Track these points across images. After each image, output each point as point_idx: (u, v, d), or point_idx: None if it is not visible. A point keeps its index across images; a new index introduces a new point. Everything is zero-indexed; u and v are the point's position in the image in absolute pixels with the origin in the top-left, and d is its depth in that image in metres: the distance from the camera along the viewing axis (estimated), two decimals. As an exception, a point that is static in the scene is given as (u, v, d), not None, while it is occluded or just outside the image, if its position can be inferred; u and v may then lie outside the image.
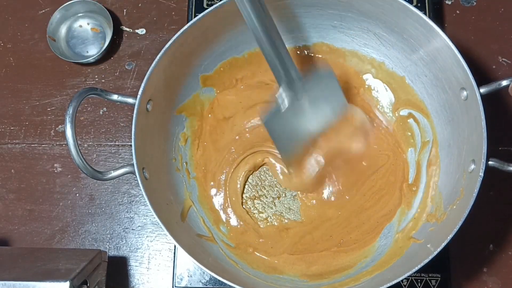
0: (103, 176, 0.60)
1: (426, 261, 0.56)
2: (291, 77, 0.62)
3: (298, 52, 0.75)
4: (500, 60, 0.80)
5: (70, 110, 0.57)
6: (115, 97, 0.62)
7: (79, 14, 0.83)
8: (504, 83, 0.59)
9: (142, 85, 0.62)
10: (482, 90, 0.59)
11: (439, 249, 0.57)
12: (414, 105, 0.72)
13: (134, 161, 0.60)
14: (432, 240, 0.61)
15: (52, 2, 0.85)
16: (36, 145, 0.80)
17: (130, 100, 0.62)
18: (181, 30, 0.64)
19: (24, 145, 0.80)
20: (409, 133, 0.73)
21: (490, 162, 0.58)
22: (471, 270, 0.73)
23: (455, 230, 0.57)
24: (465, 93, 0.62)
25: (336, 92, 0.67)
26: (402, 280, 0.68)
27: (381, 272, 0.64)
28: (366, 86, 0.75)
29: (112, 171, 0.61)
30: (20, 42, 0.84)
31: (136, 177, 0.60)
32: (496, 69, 0.80)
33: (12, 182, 0.79)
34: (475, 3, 0.83)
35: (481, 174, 0.57)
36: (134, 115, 0.62)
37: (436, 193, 0.67)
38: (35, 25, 0.85)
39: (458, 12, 0.82)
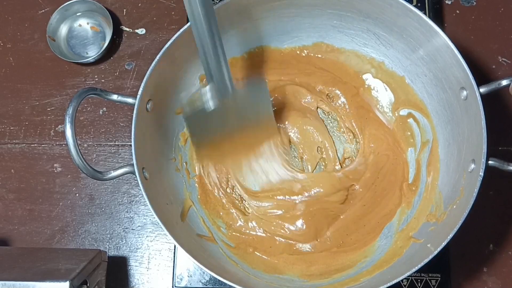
0: (103, 176, 0.60)
1: (426, 260, 0.56)
2: (223, 78, 0.62)
3: (298, 52, 0.75)
4: (500, 60, 0.80)
5: (70, 110, 0.57)
6: (114, 97, 0.62)
7: (79, 14, 0.83)
8: (504, 82, 0.59)
9: (142, 85, 0.62)
10: (482, 90, 0.59)
11: (439, 249, 0.57)
12: (414, 104, 0.72)
13: (134, 161, 0.60)
14: (432, 239, 0.61)
15: (51, 2, 0.85)
16: (36, 145, 0.80)
17: (130, 100, 0.62)
18: (181, 30, 0.64)
19: (24, 145, 0.80)
20: (409, 133, 0.73)
21: (490, 162, 0.58)
22: (471, 270, 0.73)
23: (455, 229, 0.57)
24: (465, 92, 0.62)
25: (265, 103, 0.68)
26: (402, 280, 0.68)
27: (381, 272, 0.64)
28: (366, 86, 0.75)
29: (112, 171, 0.61)
30: (20, 42, 0.84)
31: (136, 177, 0.60)
32: (496, 69, 0.80)
33: (12, 182, 0.79)
34: (475, 3, 0.83)
35: (481, 173, 0.57)
36: (134, 115, 0.62)
37: (436, 193, 0.67)
38: (35, 25, 0.84)
39: (458, 12, 0.82)
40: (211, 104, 0.63)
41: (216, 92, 0.62)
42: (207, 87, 0.62)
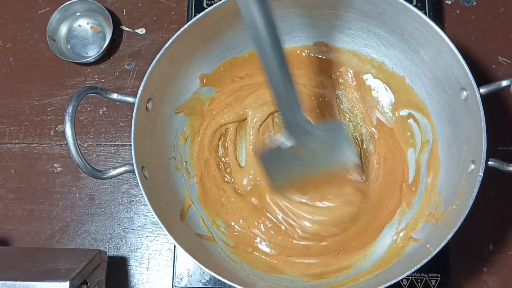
0: (102, 174, 0.60)
1: (425, 261, 0.56)
2: (297, 123, 0.60)
3: (298, 52, 0.75)
4: (500, 60, 0.80)
5: (70, 109, 0.57)
6: (114, 96, 0.62)
7: (79, 14, 0.83)
8: (504, 83, 0.59)
9: (142, 84, 0.62)
10: (482, 91, 0.59)
11: (438, 249, 0.57)
12: (414, 105, 0.72)
13: (134, 160, 0.60)
14: (432, 240, 0.61)
15: (51, 1, 0.85)
16: (36, 145, 0.80)
17: (129, 99, 0.62)
18: (181, 30, 0.64)
19: (24, 145, 0.80)
20: (409, 133, 0.73)
21: (489, 162, 0.58)
22: (471, 270, 0.73)
23: (455, 230, 0.57)
24: (465, 93, 0.62)
25: (343, 146, 0.65)
26: (402, 280, 0.68)
27: (381, 272, 0.64)
28: (366, 86, 0.75)
29: (111, 170, 0.61)
30: (20, 42, 0.84)
31: (136, 176, 0.60)
32: (496, 69, 0.80)
33: (12, 182, 0.79)
34: (475, 3, 0.83)
35: (481, 174, 0.57)
36: (134, 114, 0.62)
37: (436, 193, 0.67)
38: (35, 25, 0.84)
39: (458, 11, 0.82)
40: (287, 144, 0.61)
41: (291, 135, 0.61)
42: (282, 134, 0.61)
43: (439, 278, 0.71)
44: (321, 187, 0.70)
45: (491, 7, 0.82)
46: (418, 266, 0.56)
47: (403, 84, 0.72)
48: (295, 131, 0.60)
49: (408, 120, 0.73)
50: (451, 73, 0.63)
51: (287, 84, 0.56)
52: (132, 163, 0.60)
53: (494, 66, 0.80)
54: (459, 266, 0.73)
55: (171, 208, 0.67)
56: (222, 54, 0.73)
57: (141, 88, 0.62)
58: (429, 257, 0.56)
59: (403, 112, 0.73)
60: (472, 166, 0.60)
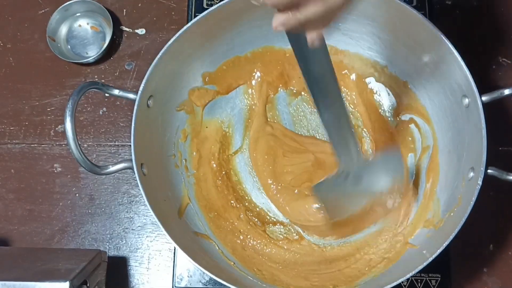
0: (101, 170, 0.60)
1: (421, 267, 0.57)
2: (351, 156, 0.60)
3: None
4: (500, 60, 0.80)
5: (71, 104, 0.57)
6: (116, 92, 0.62)
7: (79, 14, 0.83)
8: (507, 92, 0.60)
9: (144, 80, 0.62)
10: (484, 99, 0.59)
11: (434, 256, 0.57)
12: (415, 110, 0.71)
13: (133, 156, 0.60)
14: (428, 246, 0.61)
15: (51, 2, 0.85)
16: (35, 145, 0.80)
17: (131, 96, 0.62)
18: (181, 30, 0.64)
19: (24, 145, 0.80)
20: (410, 138, 0.72)
21: (489, 171, 0.58)
22: (471, 270, 0.73)
23: (451, 237, 0.57)
24: (467, 100, 0.62)
25: (398, 171, 0.64)
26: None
27: (376, 277, 0.64)
28: (369, 89, 0.75)
29: (110, 166, 0.61)
30: (20, 42, 0.84)
31: (134, 173, 0.60)
32: (496, 69, 0.80)
33: (12, 182, 0.79)
34: (475, 3, 0.83)
35: (479, 182, 0.57)
36: (135, 110, 0.62)
37: (435, 199, 0.67)
38: (35, 25, 0.84)
39: (458, 12, 0.82)
40: (342, 177, 0.62)
41: (345, 167, 0.61)
42: (338, 169, 0.62)
43: (439, 278, 0.71)
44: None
45: (491, 7, 0.82)
46: (414, 272, 0.57)
47: (405, 89, 0.72)
48: (349, 163, 0.60)
49: (410, 125, 0.72)
50: (453, 80, 0.63)
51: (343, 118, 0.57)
52: (131, 160, 0.60)
53: (494, 66, 0.80)
54: (459, 266, 0.73)
55: (169, 205, 0.67)
56: (225, 53, 0.73)
57: (142, 84, 0.62)
58: (425, 263, 0.56)
59: (405, 117, 0.73)
60: (472, 174, 0.60)
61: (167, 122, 0.70)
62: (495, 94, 0.60)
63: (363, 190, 0.63)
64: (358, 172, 0.61)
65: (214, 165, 0.74)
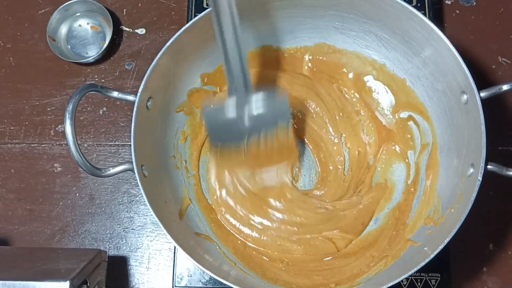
0: (101, 172, 0.60)
1: (423, 264, 0.56)
2: (246, 90, 0.63)
3: (299, 53, 0.75)
4: (500, 60, 0.80)
5: (70, 107, 0.57)
6: (115, 94, 0.62)
7: (79, 14, 0.83)
8: (505, 87, 0.59)
9: (143, 82, 0.62)
10: (482, 94, 0.59)
11: (435, 252, 0.57)
12: (414, 107, 0.71)
13: (133, 158, 0.60)
14: (429, 243, 0.61)
15: (51, 2, 0.85)
16: (36, 145, 0.80)
17: (130, 98, 0.62)
18: (181, 30, 0.64)
19: (24, 145, 0.80)
20: (409, 136, 0.72)
21: (489, 167, 0.58)
22: (471, 270, 0.73)
23: (453, 234, 0.57)
24: (465, 97, 0.61)
25: (284, 116, 0.67)
26: (401, 280, 0.68)
27: (378, 275, 0.64)
28: (367, 88, 0.75)
29: (111, 168, 0.61)
30: (20, 42, 0.84)
31: (135, 174, 0.60)
32: (495, 69, 0.80)
33: (12, 182, 0.79)
34: (475, 3, 0.83)
35: (480, 178, 0.57)
36: (134, 112, 0.62)
37: (435, 196, 0.67)
38: (35, 25, 0.84)
39: (457, 12, 0.82)
40: (231, 111, 0.64)
41: (236, 102, 0.64)
42: (229, 99, 0.64)
43: (439, 278, 0.71)
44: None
45: (491, 7, 0.82)
46: (415, 269, 0.56)
47: (404, 86, 0.72)
48: (241, 96, 0.63)
49: (408, 123, 0.72)
50: (452, 76, 0.63)
51: (242, 50, 0.61)
52: (132, 162, 0.60)
53: (494, 66, 0.80)
54: (459, 266, 0.73)
55: (170, 206, 0.67)
56: (223, 53, 0.73)
57: (141, 86, 0.62)
58: (427, 260, 0.56)
59: (403, 114, 0.73)
60: (471, 170, 0.60)
61: (166, 124, 0.70)
62: (493, 90, 0.59)
63: (249, 126, 0.66)
64: (245, 104, 0.64)
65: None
